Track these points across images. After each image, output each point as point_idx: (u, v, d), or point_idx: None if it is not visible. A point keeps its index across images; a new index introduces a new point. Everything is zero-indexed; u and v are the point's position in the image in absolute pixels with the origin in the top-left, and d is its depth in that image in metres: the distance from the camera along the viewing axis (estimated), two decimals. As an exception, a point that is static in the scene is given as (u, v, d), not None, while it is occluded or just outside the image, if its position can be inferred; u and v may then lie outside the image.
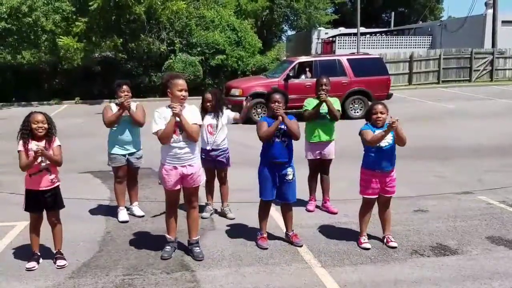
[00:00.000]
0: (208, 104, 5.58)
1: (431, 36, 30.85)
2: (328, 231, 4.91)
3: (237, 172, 7.61)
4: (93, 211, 5.75)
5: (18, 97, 18.54)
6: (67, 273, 3.97)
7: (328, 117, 5.57)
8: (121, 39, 17.63)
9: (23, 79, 18.49)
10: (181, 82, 4.04)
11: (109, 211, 5.74)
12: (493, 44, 23.78)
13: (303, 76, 13.36)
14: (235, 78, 18.14)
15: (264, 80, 13.68)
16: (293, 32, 36.50)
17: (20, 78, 18.55)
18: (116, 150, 5.38)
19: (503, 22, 25.78)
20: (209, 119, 5.32)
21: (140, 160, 5.67)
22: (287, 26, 33.66)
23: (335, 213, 5.46)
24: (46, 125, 4.01)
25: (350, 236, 4.72)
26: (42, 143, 3.99)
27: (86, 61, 17.80)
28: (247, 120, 13.13)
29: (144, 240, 4.76)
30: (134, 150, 5.49)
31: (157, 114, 4.16)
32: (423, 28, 33.34)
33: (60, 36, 16.54)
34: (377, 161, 4.37)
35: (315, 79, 12.92)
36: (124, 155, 5.41)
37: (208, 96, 5.58)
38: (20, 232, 4.98)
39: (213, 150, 5.31)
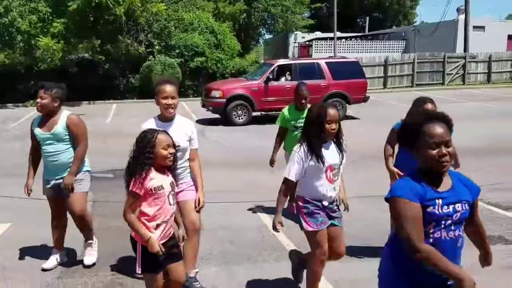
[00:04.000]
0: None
1: (405, 41, 31.59)
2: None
3: (219, 174, 7.71)
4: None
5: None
6: (55, 273, 3.95)
7: None
8: (98, 40, 17.45)
9: (-3, 81, 18.08)
10: (168, 89, 3.52)
11: (93, 211, 5.70)
12: (465, 48, 24.54)
13: (282, 79, 13.52)
14: (214, 80, 18.19)
15: (244, 82, 13.79)
16: (271, 36, 36.80)
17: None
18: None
19: (474, 27, 26.65)
20: (328, 155, 3.29)
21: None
22: (264, 29, 33.90)
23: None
24: (174, 150, 2.89)
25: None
26: (167, 179, 2.84)
27: (64, 63, 17.54)
28: (227, 121, 13.31)
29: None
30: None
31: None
32: (397, 33, 34.10)
33: (40, 36, 16.26)
34: None
35: (294, 82, 13.33)
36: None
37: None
38: (2, 234, 4.91)
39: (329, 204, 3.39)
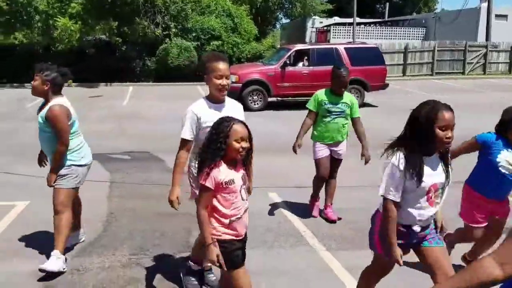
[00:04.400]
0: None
1: (425, 28, 30.94)
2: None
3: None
4: (94, 193, 5.72)
5: (10, 78, 18.28)
6: (72, 253, 3.97)
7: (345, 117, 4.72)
8: (116, 22, 17.43)
9: (15, 60, 18.21)
10: (223, 67, 3.04)
11: (111, 192, 5.74)
12: (487, 37, 23.96)
13: (300, 64, 13.35)
14: (231, 64, 18.05)
15: (261, 67, 13.64)
16: (288, 20, 36.34)
17: (12, 59, 18.27)
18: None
19: (496, 15, 25.96)
20: (432, 169, 2.56)
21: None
22: (281, 14, 33.46)
23: (334, 222, 4.75)
24: (248, 144, 2.58)
25: (352, 221, 4.78)
26: (238, 172, 2.60)
27: (81, 44, 17.59)
28: (243, 107, 13.21)
29: (148, 222, 4.77)
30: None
31: (190, 116, 3.10)
32: (417, 20, 33.40)
33: (58, 16, 16.30)
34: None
35: (312, 67, 13.19)
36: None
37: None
38: (21, 212, 4.97)
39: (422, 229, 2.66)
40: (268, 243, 4.24)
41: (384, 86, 13.61)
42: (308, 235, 4.42)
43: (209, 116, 3.00)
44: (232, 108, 3.19)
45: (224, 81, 3.06)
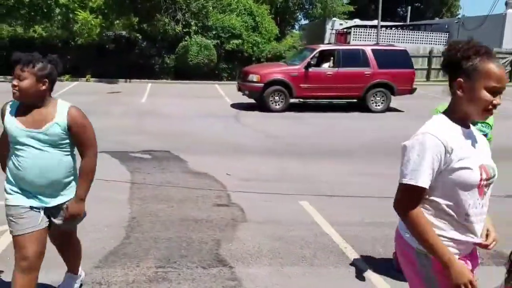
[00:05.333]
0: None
1: (447, 33, 30.23)
2: (372, 232, 4.53)
3: (256, 161, 7.30)
4: (114, 194, 5.39)
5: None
6: (93, 262, 3.62)
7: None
8: (137, 18, 17.19)
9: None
10: (499, 73, 1.83)
11: (132, 194, 5.40)
12: (514, 44, 23.24)
13: (325, 65, 12.92)
14: (250, 64, 17.70)
15: (284, 67, 13.23)
16: (307, 21, 35.88)
17: (31, 52, 18.09)
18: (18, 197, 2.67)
19: (523, 22, 25.22)
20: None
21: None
22: (301, 14, 33.04)
23: None
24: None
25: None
26: None
27: (101, 39, 17.38)
28: (263, 107, 12.87)
29: (173, 228, 4.41)
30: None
31: (433, 146, 1.83)
32: (440, 25, 32.69)
33: (78, 10, 16.12)
34: None
35: (336, 69, 12.74)
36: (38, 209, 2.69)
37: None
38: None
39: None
40: (307, 259, 3.84)
41: (412, 90, 13.12)
42: (350, 252, 4.00)
43: (464, 150, 1.89)
44: (481, 138, 2.04)
45: (498, 100, 1.86)
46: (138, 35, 18.49)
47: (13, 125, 2.58)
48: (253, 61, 19.35)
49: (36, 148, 2.57)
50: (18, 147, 2.59)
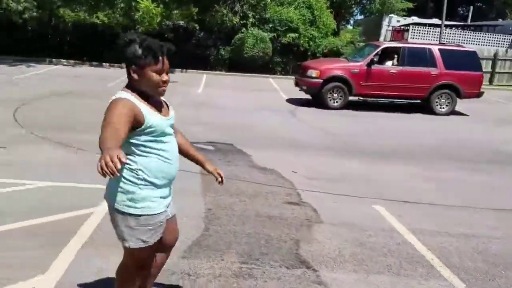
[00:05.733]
0: None
1: (511, 36, 28.66)
2: (456, 243, 4.30)
3: (316, 160, 7.14)
4: (187, 184, 5.40)
5: (90, 56, 18.74)
6: (179, 252, 3.61)
7: None
8: (196, 9, 17.34)
9: (96, 40, 18.61)
10: None
11: (204, 184, 5.40)
12: None
13: (388, 63, 12.52)
14: (305, 58, 17.47)
15: (344, 63, 12.90)
16: (362, 17, 35.12)
17: (93, 38, 18.68)
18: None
19: None
20: None
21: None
22: (358, 9, 32.33)
23: None
24: None
25: (484, 250, 4.12)
26: None
27: (160, 28, 17.67)
28: (320, 104, 12.63)
29: (248, 224, 4.36)
30: None
31: None
32: (504, 26, 31.05)
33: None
34: None
35: (401, 67, 12.30)
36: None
37: None
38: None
39: None
40: (393, 269, 3.67)
41: (479, 94, 12.53)
42: (437, 264, 3.79)
43: None
44: None
45: None
46: (196, 25, 18.66)
47: (157, 116, 2.29)
48: (308, 55, 19.11)
49: (173, 136, 2.41)
50: (163, 139, 2.31)
